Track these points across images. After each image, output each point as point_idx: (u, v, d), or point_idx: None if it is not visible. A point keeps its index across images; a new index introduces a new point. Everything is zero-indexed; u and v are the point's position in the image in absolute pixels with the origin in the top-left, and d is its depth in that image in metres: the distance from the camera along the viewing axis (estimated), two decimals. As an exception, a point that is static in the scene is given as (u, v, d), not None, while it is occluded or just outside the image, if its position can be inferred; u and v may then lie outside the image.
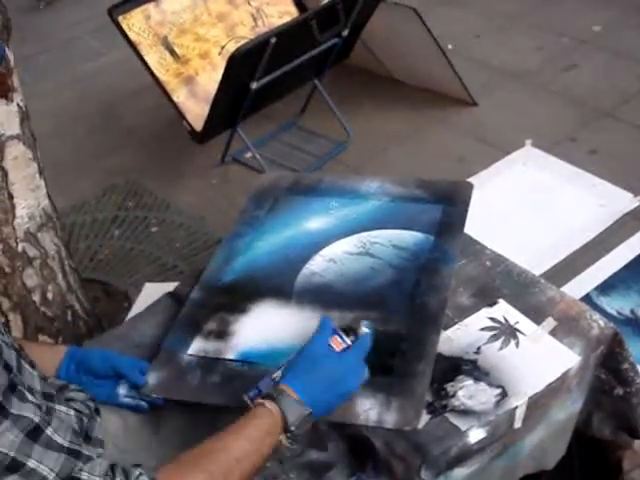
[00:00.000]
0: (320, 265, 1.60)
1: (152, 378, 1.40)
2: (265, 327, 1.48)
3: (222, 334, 1.48)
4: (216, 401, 1.36)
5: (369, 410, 1.28)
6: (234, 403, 1.32)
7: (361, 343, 1.28)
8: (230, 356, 1.43)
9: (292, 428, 1.17)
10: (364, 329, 1.29)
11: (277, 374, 1.24)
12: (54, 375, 1.38)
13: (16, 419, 1.01)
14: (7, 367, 1.06)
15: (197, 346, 1.46)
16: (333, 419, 1.30)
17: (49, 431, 1.06)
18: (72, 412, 1.21)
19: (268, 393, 1.20)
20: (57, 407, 1.18)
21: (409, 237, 1.62)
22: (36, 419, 1.04)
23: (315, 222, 1.71)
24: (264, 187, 1.88)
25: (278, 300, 1.53)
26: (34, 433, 1.03)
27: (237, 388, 1.34)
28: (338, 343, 1.26)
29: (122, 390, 1.38)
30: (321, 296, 1.52)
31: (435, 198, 1.72)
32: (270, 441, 1.16)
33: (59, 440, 1.06)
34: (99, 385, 1.38)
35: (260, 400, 1.19)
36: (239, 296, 1.57)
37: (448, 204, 1.69)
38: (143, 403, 1.39)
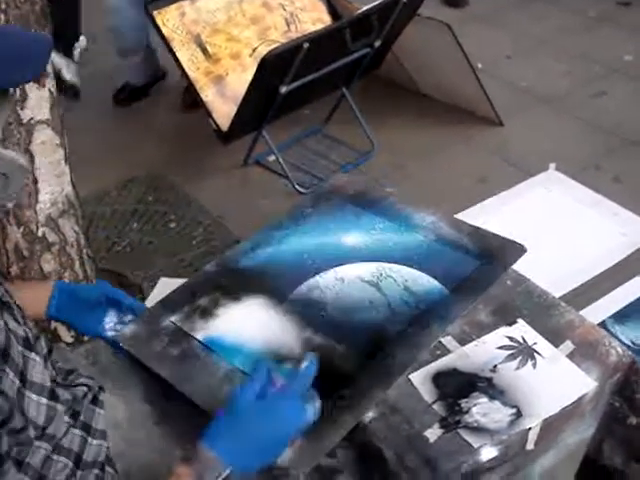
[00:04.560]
0: (328, 281, 1.56)
1: (129, 329, 1.44)
2: (244, 321, 1.47)
3: (207, 313, 1.49)
4: (162, 372, 1.37)
5: None
6: (175, 381, 1.34)
7: (299, 380, 1.18)
8: (199, 336, 1.44)
9: None
10: (305, 363, 1.20)
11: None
12: (45, 312, 1.40)
13: None
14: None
15: (181, 316, 1.48)
16: None
17: None
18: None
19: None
20: None
21: (426, 283, 1.55)
22: None
23: (352, 237, 1.68)
24: (331, 188, 1.86)
25: (271, 300, 1.51)
26: None
27: (187, 368, 1.37)
28: (279, 381, 1.18)
29: (109, 320, 1.43)
30: (308, 311, 1.49)
31: (478, 252, 1.64)
32: None
33: None
34: (89, 315, 1.41)
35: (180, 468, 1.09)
36: (241, 283, 1.56)
37: (486, 262, 1.60)
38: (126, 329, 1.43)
